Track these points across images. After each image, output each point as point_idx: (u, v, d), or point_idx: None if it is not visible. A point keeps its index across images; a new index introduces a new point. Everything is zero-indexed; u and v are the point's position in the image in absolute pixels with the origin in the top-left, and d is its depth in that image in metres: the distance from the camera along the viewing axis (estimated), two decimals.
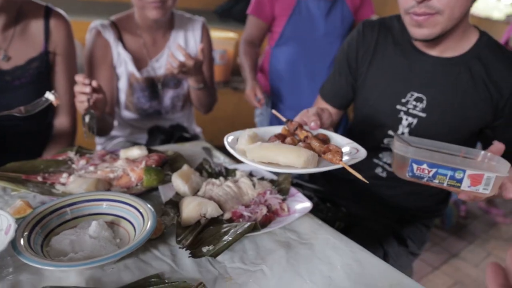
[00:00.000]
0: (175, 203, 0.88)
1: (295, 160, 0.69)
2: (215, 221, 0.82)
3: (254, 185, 0.95)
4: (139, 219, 0.78)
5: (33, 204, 0.86)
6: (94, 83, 1.12)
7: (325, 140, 0.84)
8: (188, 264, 0.72)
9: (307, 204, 0.89)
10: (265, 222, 0.84)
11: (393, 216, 1.21)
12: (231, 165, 1.12)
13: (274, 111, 1.00)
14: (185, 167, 0.99)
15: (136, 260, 0.74)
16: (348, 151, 0.79)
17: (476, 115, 1.04)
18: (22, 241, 0.69)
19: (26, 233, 0.71)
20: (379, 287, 0.70)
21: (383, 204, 1.21)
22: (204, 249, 0.73)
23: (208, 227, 0.80)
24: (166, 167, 1.06)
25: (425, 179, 0.81)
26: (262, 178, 1.02)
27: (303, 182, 1.28)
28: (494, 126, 1.06)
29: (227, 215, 0.85)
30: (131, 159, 1.04)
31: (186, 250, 0.72)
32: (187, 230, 0.78)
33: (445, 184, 0.79)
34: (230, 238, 0.73)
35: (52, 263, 0.65)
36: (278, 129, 0.89)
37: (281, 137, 0.83)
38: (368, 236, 1.10)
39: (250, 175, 1.03)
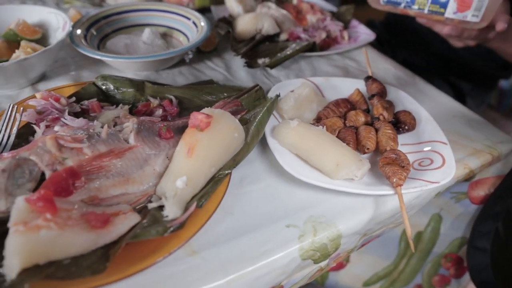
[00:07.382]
0: (229, 21, 0.83)
1: (330, 168, 0.49)
2: (271, 40, 0.78)
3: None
4: (192, 30, 0.75)
5: None
6: None
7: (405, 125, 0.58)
8: (242, 75, 0.71)
9: (369, 34, 0.82)
10: (324, 46, 0.78)
11: (453, 70, 1.10)
12: None
13: None
14: None
15: (190, 68, 0.73)
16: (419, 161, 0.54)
17: None
18: (79, 32, 0.68)
19: (82, 31, 0.70)
20: (443, 117, 0.65)
21: (443, 57, 1.09)
22: (260, 61, 0.70)
23: (264, 43, 0.75)
24: None
25: (402, 5, 0.66)
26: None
27: None
28: None
29: (283, 36, 0.79)
30: None
31: (241, 57, 0.70)
32: (241, 44, 0.75)
33: (426, 11, 0.65)
34: (288, 53, 0.69)
35: (108, 54, 0.65)
36: (351, 86, 0.65)
37: (345, 107, 0.60)
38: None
39: None
